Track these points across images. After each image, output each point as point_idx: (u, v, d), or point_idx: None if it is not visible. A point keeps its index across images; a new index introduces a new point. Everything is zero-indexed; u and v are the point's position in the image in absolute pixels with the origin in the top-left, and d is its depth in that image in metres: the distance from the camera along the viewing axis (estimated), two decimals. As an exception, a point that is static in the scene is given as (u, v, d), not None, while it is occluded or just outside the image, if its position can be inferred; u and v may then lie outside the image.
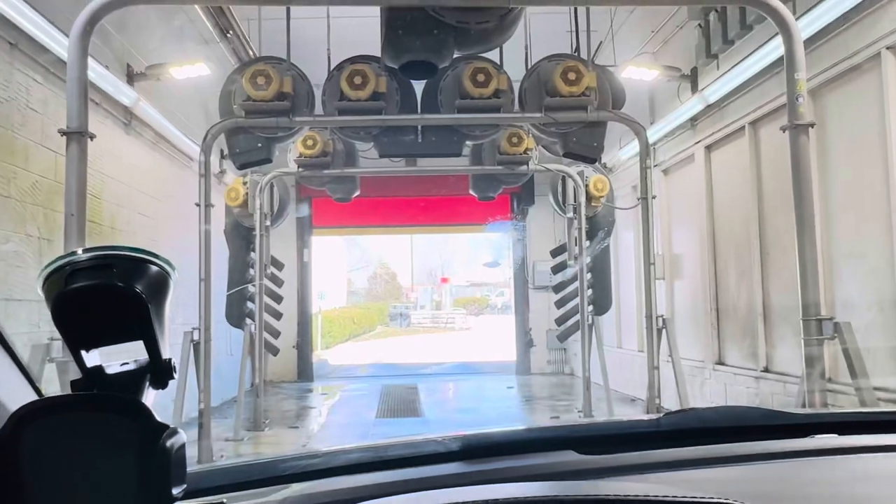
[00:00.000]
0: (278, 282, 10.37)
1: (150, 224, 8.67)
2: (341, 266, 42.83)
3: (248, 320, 9.41)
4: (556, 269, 10.68)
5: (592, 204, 9.75)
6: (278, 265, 10.36)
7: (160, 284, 0.76)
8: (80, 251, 0.74)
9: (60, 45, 5.98)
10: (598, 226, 9.86)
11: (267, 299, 9.77)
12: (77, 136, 4.10)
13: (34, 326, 5.91)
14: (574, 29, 7.69)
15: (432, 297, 53.20)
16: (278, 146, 7.51)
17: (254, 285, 9.38)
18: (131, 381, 0.77)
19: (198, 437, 6.74)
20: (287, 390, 13.25)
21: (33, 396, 0.80)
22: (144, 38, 8.00)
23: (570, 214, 9.92)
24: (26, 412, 0.67)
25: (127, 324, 0.74)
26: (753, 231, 7.72)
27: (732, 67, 7.66)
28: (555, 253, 10.89)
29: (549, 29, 7.97)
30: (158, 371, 0.77)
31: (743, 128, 7.90)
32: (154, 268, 0.76)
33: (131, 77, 7.84)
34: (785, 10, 4.92)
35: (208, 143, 6.76)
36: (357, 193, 10.05)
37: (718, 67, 8.15)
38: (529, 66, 7.36)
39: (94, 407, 0.70)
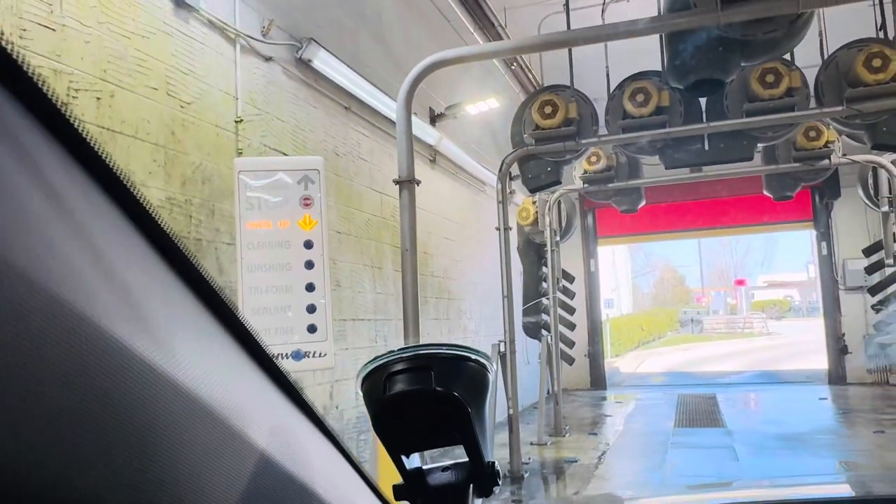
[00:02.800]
0: (570, 294, 10.82)
1: (455, 246, 9.65)
2: (626, 272, 42.42)
3: (543, 331, 9.98)
4: (871, 270, 9.69)
5: (912, 195, 8.72)
6: (569, 278, 10.81)
7: (479, 383, 0.72)
8: (396, 350, 0.71)
9: (380, 101, 7.06)
10: (921, 218, 8.79)
11: (560, 311, 10.27)
12: (407, 183, 4.90)
13: (372, 341, 7.01)
14: (878, 1, 7.02)
15: (726, 301, 50.25)
16: (565, 167, 7.95)
17: (548, 298, 9.93)
18: (454, 489, 0.74)
19: (508, 440, 7.39)
20: (582, 398, 13.63)
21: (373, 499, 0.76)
22: (443, 83, 8.99)
23: (886, 208, 8.97)
24: None
25: (447, 427, 0.71)
26: None
27: None
28: (868, 251, 9.89)
29: (847, 7, 7.38)
30: (481, 476, 0.74)
31: None
32: (472, 365, 0.71)
33: (433, 119, 8.86)
34: None
35: (504, 172, 7.42)
36: (643, 203, 10.11)
37: None
38: (825, 57, 6.90)
39: None
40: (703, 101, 7.05)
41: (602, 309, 17.04)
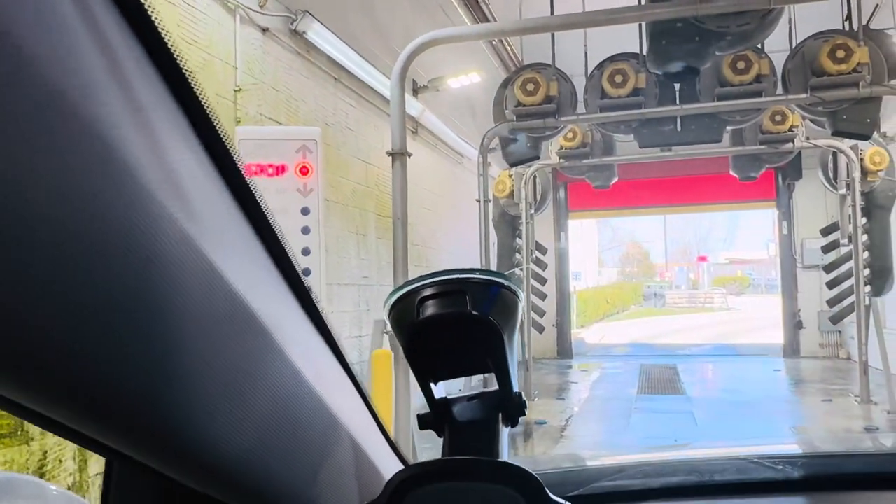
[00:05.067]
0: (542, 265, 11.19)
1: (433, 216, 9.94)
2: (593, 246, 43.10)
3: (516, 300, 10.35)
4: (828, 249, 10.23)
5: (868, 179, 9.20)
6: (542, 249, 11.17)
7: (511, 309, 0.69)
8: (427, 275, 0.69)
9: (368, 73, 7.26)
10: (875, 201, 9.28)
11: (533, 281, 10.64)
12: (399, 155, 5.16)
13: (356, 305, 7.29)
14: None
15: (688, 276, 51.40)
16: (543, 143, 8.25)
17: (521, 269, 10.29)
18: (483, 419, 0.72)
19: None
20: (549, 366, 14.11)
21: (397, 463, 0.76)
22: (426, 56, 9.17)
23: (843, 191, 9.46)
24: (401, 480, 0.62)
25: (478, 354, 0.69)
26: None
27: None
28: (825, 231, 10.40)
29: (816, -1, 7.74)
30: (510, 406, 0.72)
31: None
32: (505, 291, 0.69)
33: (416, 91, 9.07)
34: None
35: (485, 146, 7.70)
36: (615, 180, 10.47)
37: None
38: (794, 46, 7.27)
39: (482, 476, 0.63)
40: (677, 84, 7.39)
41: (570, 281, 17.52)
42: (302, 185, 4.77)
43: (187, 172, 0.35)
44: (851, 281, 9.19)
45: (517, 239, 10.68)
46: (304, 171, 4.79)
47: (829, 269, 10.29)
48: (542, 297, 11.07)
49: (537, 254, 10.84)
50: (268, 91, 5.68)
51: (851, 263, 9.17)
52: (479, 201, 7.60)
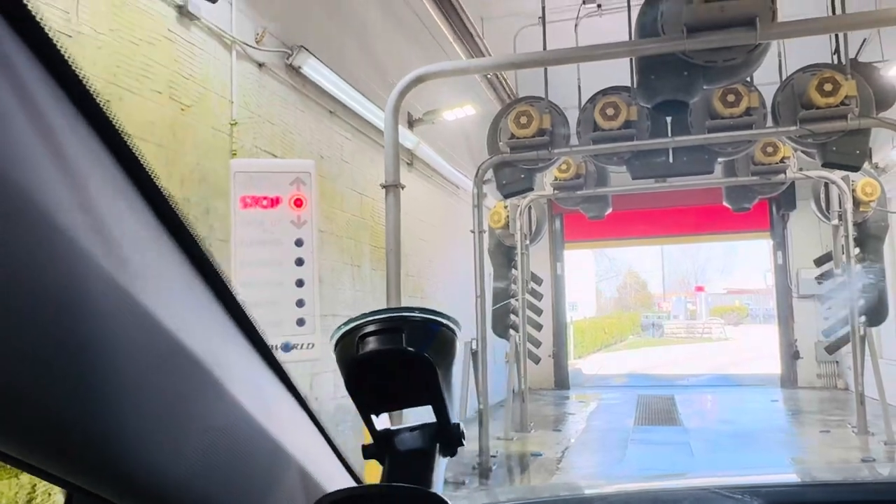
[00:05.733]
0: (538, 295, 11.20)
1: (428, 247, 9.97)
2: (590, 276, 43.11)
3: (511, 331, 10.35)
4: (822, 279, 10.26)
5: (861, 209, 9.27)
6: (537, 280, 11.19)
7: (448, 346, 0.74)
8: (370, 313, 0.73)
9: (363, 106, 7.36)
10: (868, 232, 9.34)
11: (528, 312, 10.65)
12: (393, 188, 5.22)
13: (350, 337, 7.28)
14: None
15: (686, 306, 51.32)
16: (537, 174, 8.32)
17: (516, 300, 10.30)
18: (421, 449, 0.76)
19: (478, 434, 7.73)
20: (546, 397, 14.05)
21: (348, 477, 0.79)
22: (421, 89, 9.30)
23: (836, 221, 9.52)
24: (329, 502, 0.64)
25: (415, 388, 0.73)
26: None
27: None
28: (819, 261, 10.45)
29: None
30: (447, 437, 0.76)
31: None
32: (442, 329, 0.73)
33: (412, 123, 9.17)
34: None
35: (480, 178, 7.77)
36: (609, 211, 10.54)
37: None
38: (783, 78, 7.39)
39: (401, 502, 0.67)
40: (668, 117, 7.48)
41: (567, 311, 17.52)
42: (296, 217, 4.81)
43: (115, 219, 0.36)
44: (847, 311, 9.21)
45: (512, 269, 10.70)
46: (298, 203, 4.83)
47: (824, 298, 10.32)
48: (538, 327, 11.06)
49: (532, 284, 10.86)
50: (263, 124, 5.75)
51: (846, 293, 9.19)
52: (473, 232, 7.64)
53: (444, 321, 0.74)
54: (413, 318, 0.73)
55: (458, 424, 0.76)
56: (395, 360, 0.71)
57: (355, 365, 0.71)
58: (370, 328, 0.71)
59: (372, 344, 0.70)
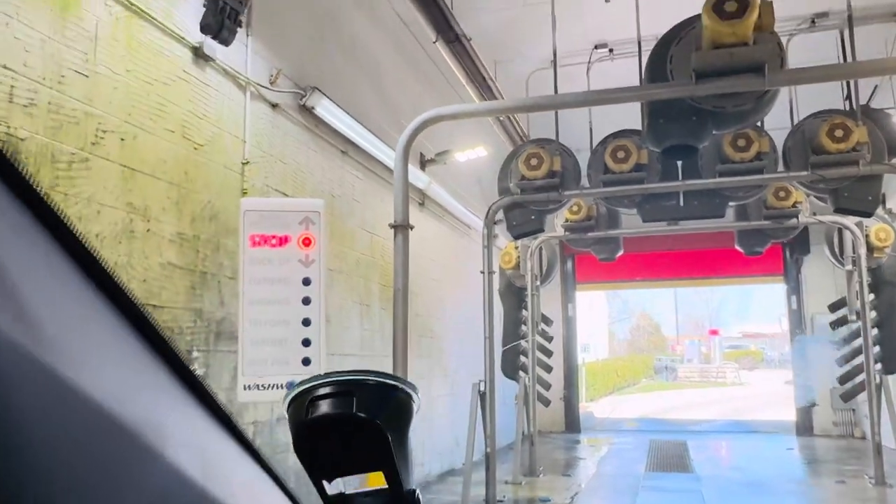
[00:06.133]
0: (548, 337, 11.12)
1: (438, 287, 9.96)
2: (603, 318, 42.82)
3: (521, 373, 10.26)
4: (836, 325, 10.13)
5: (875, 255, 9.20)
6: (548, 321, 11.12)
7: (403, 411, 0.72)
8: (323, 375, 0.71)
9: (375, 147, 7.43)
10: (882, 278, 9.25)
11: (538, 353, 10.56)
12: (401, 228, 5.24)
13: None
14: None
15: (700, 350, 50.76)
16: (548, 216, 8.33)
17: (526, 341, 10.23)
18: None
19: (485, 478, 7.61)
20: (556, 440, 13.85)
21: None
22: (434, 130, 9.39)
23: (849, 267, 9.44)
24: None
25: (365, 454, 0.71)
26: None
27: None
28: (833, 307, 10.33)
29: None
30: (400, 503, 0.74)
31: None
32: (397, 393, 0.72)
33: (424, 163, 9.24)
34: None
35: (490, 218, 7.78)
36: (620, 253, 10.51)
37: None
38: (794, 124, 7.40)
39: None
40: (678, 161, 7.49)
41: (578, 353, 17.36)
42: (304, 256, 4.83)
43: (24, 277, 0.34)
44: (862, 358, 9.07)
45: (523, 310, 10.65)
46: (307, 242, 4.86)
47: (838, 345, 10.17)
48: (548, 369, 10.96)
49: (543, 325, 10.79)
50: (275, 164, 5.81)
51: (861, 340, 9.06)
52: (483, 273, 7.63)
53: (400, 385, 0.73)
54: (366, 381, 0.72)
55: (415, 491, 0.74)
56: (346, 425, 0.70)
57: (304, 428, 0.70)
58: (321, 391, 0.70)
59: (322, 408, 0.69)
